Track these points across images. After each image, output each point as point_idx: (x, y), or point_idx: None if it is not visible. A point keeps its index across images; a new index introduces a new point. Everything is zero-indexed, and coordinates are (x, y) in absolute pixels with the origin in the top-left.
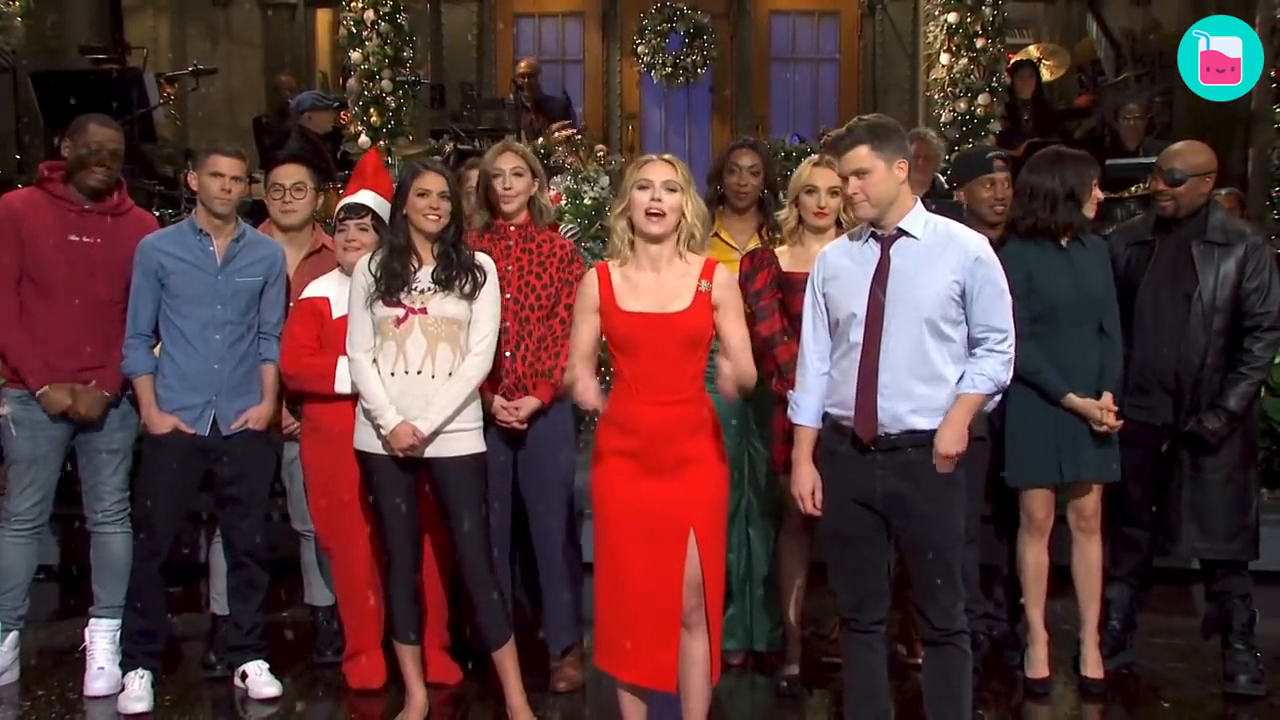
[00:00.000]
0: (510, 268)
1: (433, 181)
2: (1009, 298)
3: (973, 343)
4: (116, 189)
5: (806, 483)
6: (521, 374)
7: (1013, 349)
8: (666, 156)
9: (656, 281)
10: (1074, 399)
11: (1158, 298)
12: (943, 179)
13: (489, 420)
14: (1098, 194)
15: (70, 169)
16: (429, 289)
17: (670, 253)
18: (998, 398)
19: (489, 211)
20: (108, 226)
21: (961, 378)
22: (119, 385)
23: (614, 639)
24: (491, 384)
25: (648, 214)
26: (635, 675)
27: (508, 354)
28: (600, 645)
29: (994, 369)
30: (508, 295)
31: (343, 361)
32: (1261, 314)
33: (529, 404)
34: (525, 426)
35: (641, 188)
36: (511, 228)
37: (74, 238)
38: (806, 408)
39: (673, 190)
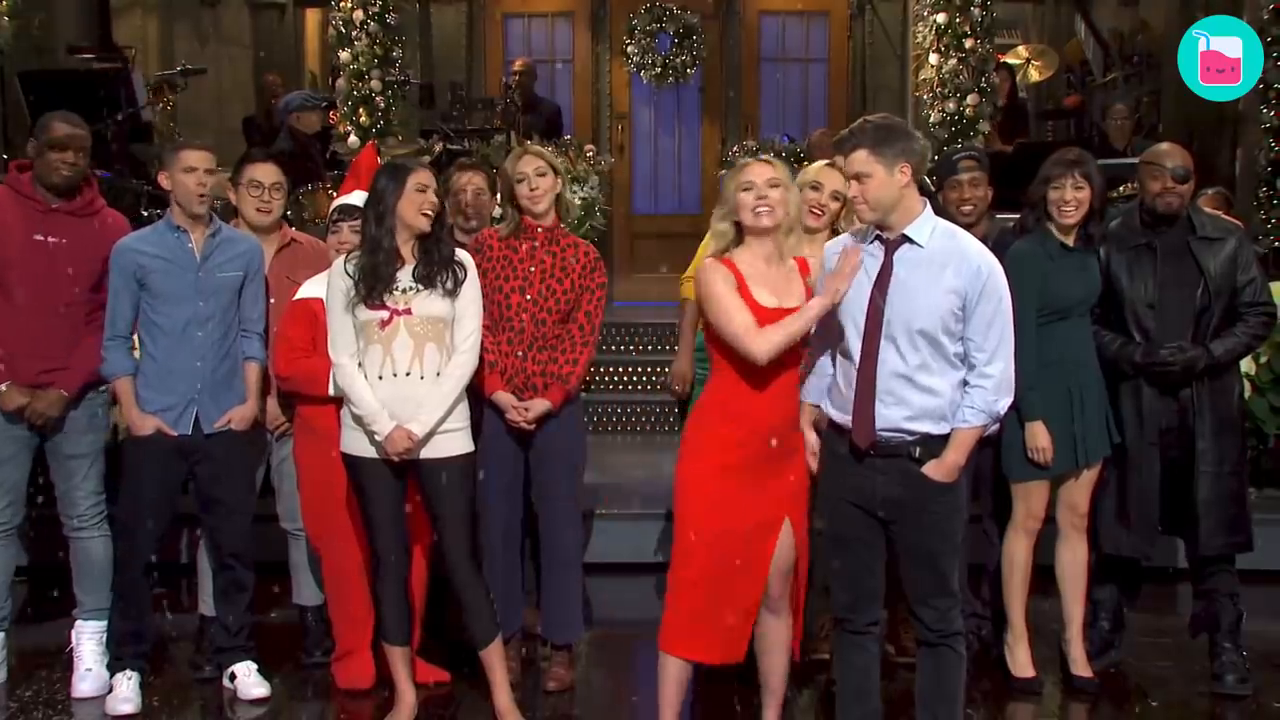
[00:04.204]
0: (534, 269)
1: (429, 177)
2: (1006, 314)
3: (962, 358)
4: (86, 187)
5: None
6: (531, 374)
7: (1001, 370)
8: (765, 158)
9: (773, 277)
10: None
11: (1165, 296)
12: (928, 180)
13: (500, 418)
14: (1063, 194)
15: (35, 165)
16: (411, 288)
17: (774, 249)
18: (995, 426)
19: (517, 213)
20: (75, 226)
21: (959, 390)
22: (80, 387)
23: (703, 628)
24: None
25: (754, 211)
26: (720, 655)
27: (519, 354)
28: (681, 634)
29: (984, 401)
30: (528, 296)
31: None
32: (1261, 302)
33: (539, 405)
34: (533, 427)
35: (745, 189)
36: (539, 229)
37: (39, 237)
38: (811, 388)
39: (775, 186)
